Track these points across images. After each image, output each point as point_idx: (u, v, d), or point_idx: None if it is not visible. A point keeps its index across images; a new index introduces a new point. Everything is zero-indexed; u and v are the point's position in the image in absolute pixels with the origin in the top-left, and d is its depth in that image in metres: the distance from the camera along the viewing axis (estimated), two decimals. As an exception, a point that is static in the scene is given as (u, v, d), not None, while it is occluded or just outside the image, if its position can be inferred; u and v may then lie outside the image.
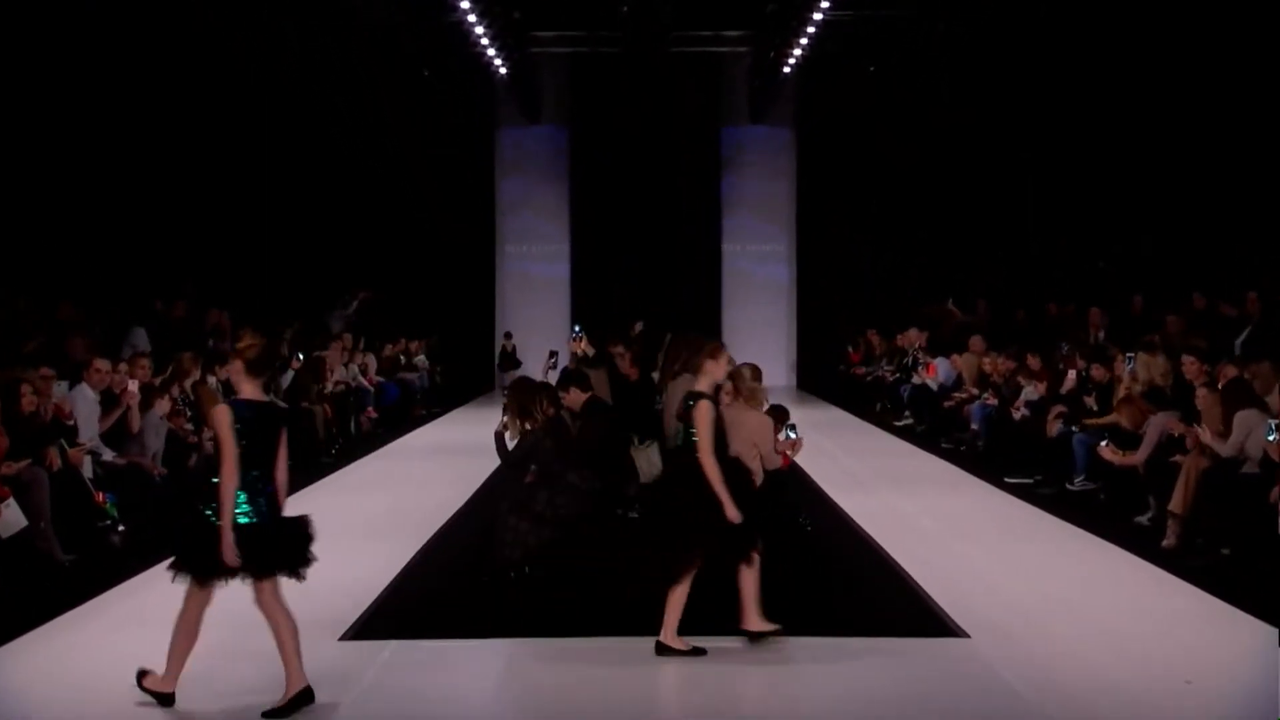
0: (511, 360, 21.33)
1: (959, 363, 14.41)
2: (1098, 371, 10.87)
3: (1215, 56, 14.92)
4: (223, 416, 5.06)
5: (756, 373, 7.45)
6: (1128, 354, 10.43)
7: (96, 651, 6.06)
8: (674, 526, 5.80)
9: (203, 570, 5.05)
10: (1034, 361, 12.15)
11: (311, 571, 7.60)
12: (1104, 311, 14.25)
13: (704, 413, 5.83)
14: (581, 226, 22.62)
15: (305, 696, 5.11)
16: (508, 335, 21.88)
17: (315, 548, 5.30)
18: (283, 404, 5.05)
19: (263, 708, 5.15)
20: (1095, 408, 10.65)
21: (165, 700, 5.21)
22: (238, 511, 5.01)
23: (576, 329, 14.06)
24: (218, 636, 5.60)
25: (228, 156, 18.02)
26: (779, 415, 7.93)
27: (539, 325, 21.84)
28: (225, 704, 5.32)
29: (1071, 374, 11.27)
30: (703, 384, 5.97)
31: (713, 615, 6.50)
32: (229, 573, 5.03)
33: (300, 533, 5.26)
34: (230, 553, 4.94)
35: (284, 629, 5.12)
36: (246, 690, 5.43)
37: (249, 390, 5.22)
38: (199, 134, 17.32)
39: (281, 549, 5.16)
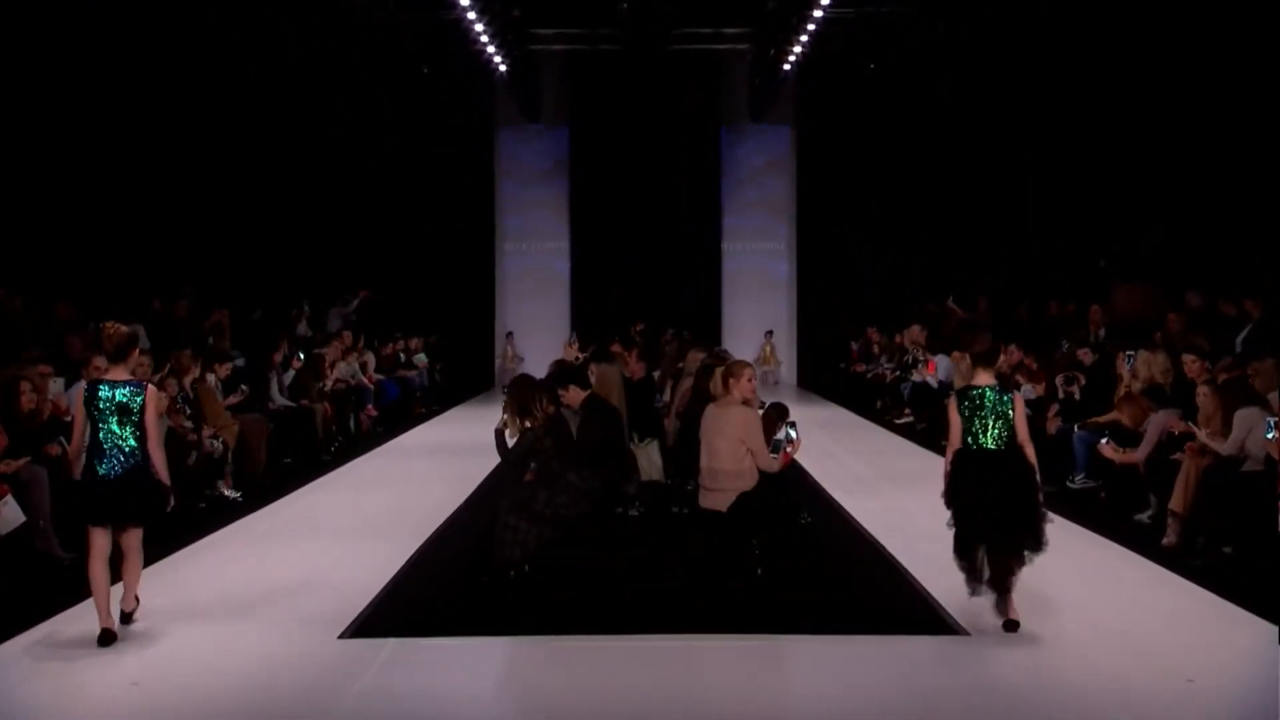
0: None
1: (959, 360, 14.39)
2: (1084, 355, 10.89)
3: (1215, 55, 14.89)
4: (77, 393, 6.28)
5: (741, 372, 7.47)
6: (1128, 352, 10.41)
7: (95, 650, 6.04)
8: (1015, 509, 6.05)
9: (77, 518, 6.24)
10: (1031, 360, 12.15)
11: (311, 569, 7.64)
12: (1104, 309, 14.23)
13: (1021, 402, 6.16)
14: (581, 225, 22.62)
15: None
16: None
17: (169, 506, 6.34)
18: (142, 384, 6.18)
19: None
20: (1083, 380, 10.64)
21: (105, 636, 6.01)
22: (100, 466, 6.03)
23: (572, 335, 14.22)
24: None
25: (227, 155, 17.99)
26: (779, 413, 7.92)
27: (539, 324, 21.87)
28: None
29: (1061, 378, 11.26)
30: (985, 378, 6.18)
31: (708, 616, 6.51)
32: (97, 517, 6.05)
33: (153, 491, 6.15)
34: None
35: (132, 567, 6.20)
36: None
37: (112, 373, 6.17)
38: (198, 133, 17.29)
39: (128, 501, 6.06)
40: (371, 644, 6.10)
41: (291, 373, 13.25)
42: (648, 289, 21.52)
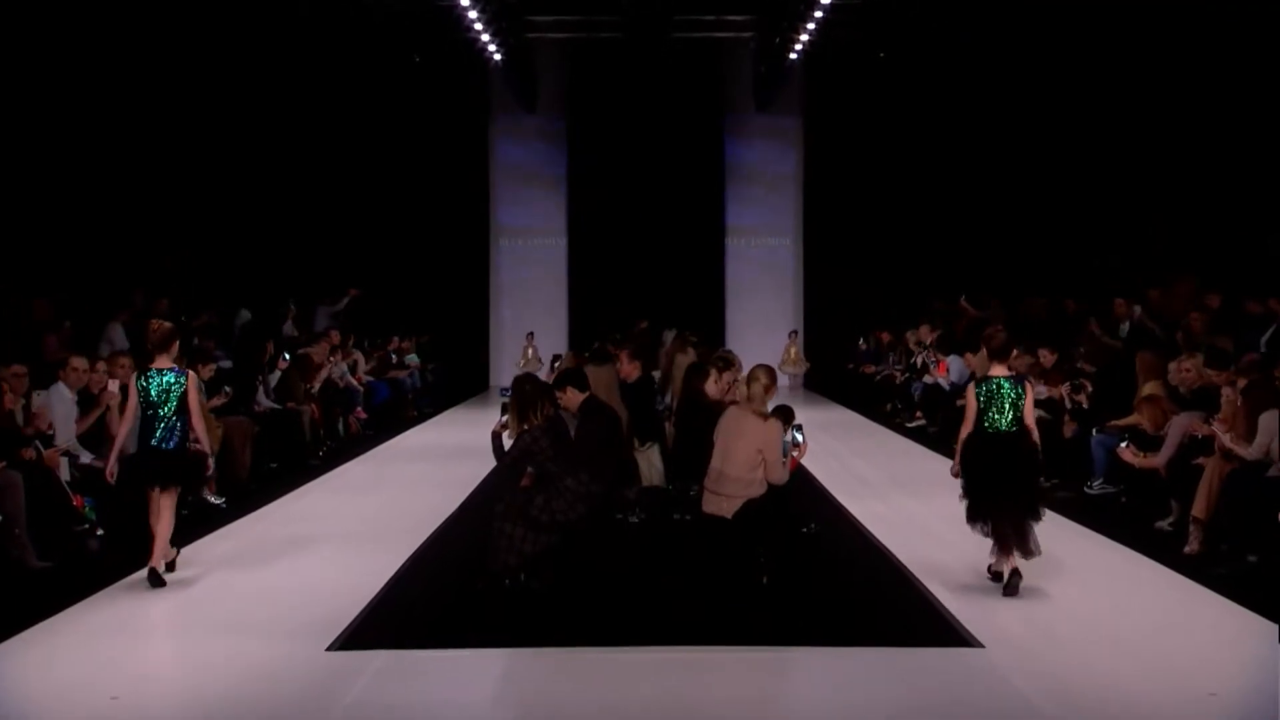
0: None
1: (972, 361, 14.37)
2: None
3: (1238, 45, 14.89)
4: (131, 378, 7.71)
5: (771, 375, 7.54)
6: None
7: (74, 661, 6.04)
8: (1022, 485, 7.14)
9: (134, 483, 7.55)
10: (1048, 357, 12.06)
11: (298, 578, 7.66)
12: (1128, 304, 14.13)
13: (1031, 391, 7.35)
14: (579, 219, 22.59)
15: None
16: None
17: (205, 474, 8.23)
18: (184, 370, 7.63)
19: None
20: (1090, 386, 10.59)
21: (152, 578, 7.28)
22: (151, 439, 7.43)
23: (556, 364, 14.29)
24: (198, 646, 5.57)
25: (211, 148, 18.00)
26: (784, 416, 7.92)
27: (535, 322, 21.80)
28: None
29: (1067, 386, 11.22)
30: (1000, 370, 7.26)
31: (711, 626, 6.51)
32: (144, 482, 7.45)
33: (192, 459, 7.64)
34: (111, 468, 7.61)
35: (165, 524, 7.38)
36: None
37: (158, 361, 7.53)
38: (181, 124, 17.30)
39: (173, 467, 7.45)
40: (361, 656, 6.09)
41: (278, 373, 13.23)
42: (648, 285, 21.49)
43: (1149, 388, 10.02)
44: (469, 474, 11.33)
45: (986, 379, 7.24)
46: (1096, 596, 7.23)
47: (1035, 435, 7.24)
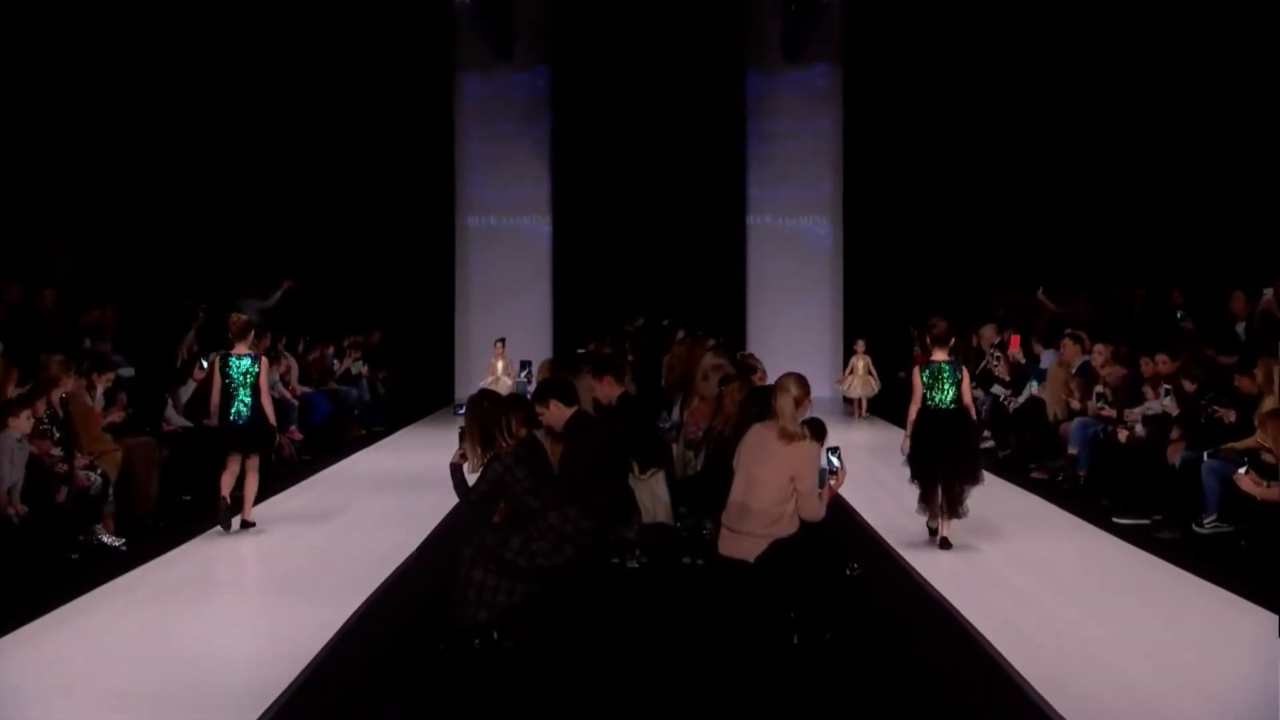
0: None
1: (1056, 353, 14.45)
2: (1244, 383, 10.74)
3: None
4: (213, 362, 10.80)
5: (804, 386, 7.54)
6: None
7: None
8: (963, 454, 9.74)
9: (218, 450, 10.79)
10: (1163, 363, 11.91)
11: (217, 638, 7.64)
12: (1248, 299, 14.13)
13: (967, 373, 9.96)
14: (566, 194, 22.64)
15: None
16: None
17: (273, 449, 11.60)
18: (257, 356, 10.73)
19: None
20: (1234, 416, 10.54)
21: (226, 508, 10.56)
22: (230, 414, 10.57)
23: (525, 374, 14.19)
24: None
25: (108, 101, 17.93)
26: (815, 434, 7.88)
27: (512, 322, 21.77)
28: None
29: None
30: (941, 354, 9.83)
31: (729, 695, 6.48)
32: (231, 449, 10.64)
33: (266, 430, 10.80)
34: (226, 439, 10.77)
35: (251, 484, 10.82)
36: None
37: (237, 348, 10.61)
38: (73, 71, 17.22)
39: (252, 437, 10.68)
40: (293, 734, 6.07)
41: (191, 385, 13.21)
42: (652, 277, 21.53)
43: (1271, 401, 9.99)
44: (430, 508, 11.33)
45: (930, 362, 9.86)
46: (1208, 660, 7.19)
47: (972, 412, 10.00)
